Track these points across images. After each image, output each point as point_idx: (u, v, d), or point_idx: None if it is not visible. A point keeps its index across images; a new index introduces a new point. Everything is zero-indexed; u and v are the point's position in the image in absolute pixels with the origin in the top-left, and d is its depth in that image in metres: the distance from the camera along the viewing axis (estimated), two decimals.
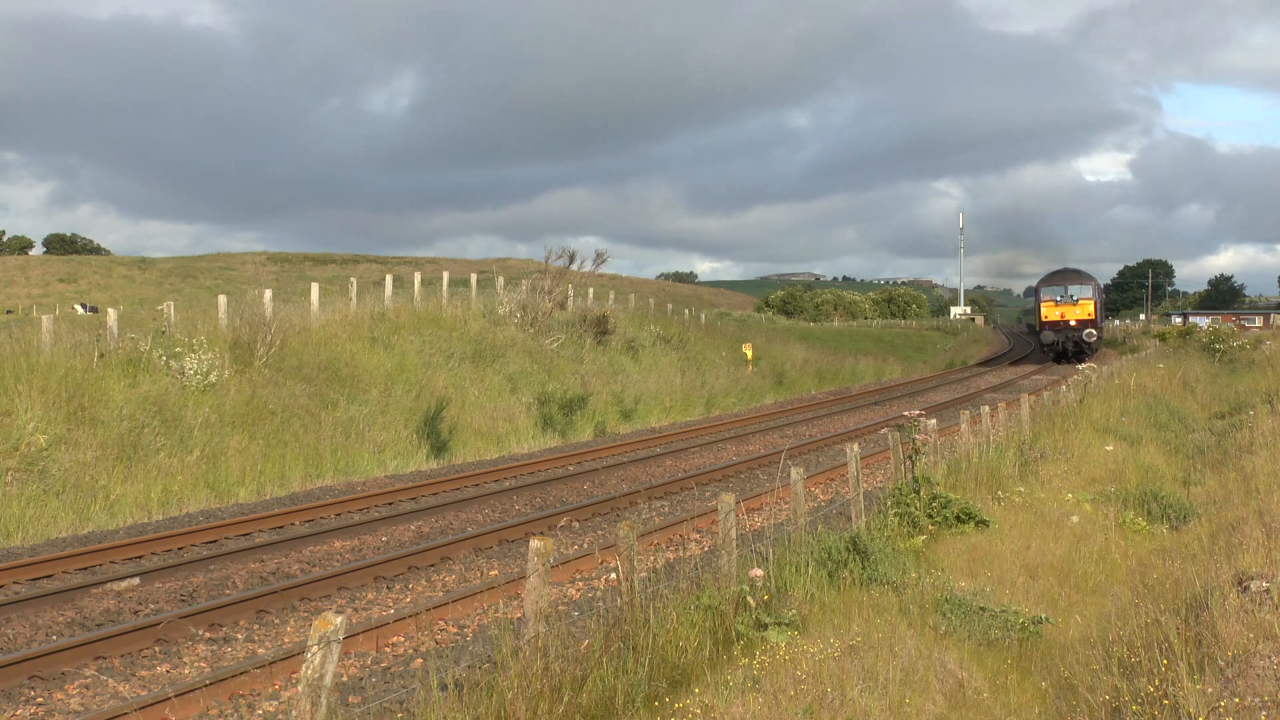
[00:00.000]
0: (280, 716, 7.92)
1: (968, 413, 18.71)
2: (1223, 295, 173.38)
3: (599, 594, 10.81)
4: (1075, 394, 25.96)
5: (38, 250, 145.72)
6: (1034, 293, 63.76)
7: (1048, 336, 60.31)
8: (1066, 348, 60.18)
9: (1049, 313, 60.39)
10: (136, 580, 12.44)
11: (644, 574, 8.84)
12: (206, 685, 8.29)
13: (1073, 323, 59.81)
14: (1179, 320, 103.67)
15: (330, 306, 28.82)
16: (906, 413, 15.77)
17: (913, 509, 12.63)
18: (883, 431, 18.41)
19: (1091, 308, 60.15)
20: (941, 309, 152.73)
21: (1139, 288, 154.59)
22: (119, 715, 7.80)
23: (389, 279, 33.74)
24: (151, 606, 11.44)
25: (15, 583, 12.42)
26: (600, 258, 37.95)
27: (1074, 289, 60.69)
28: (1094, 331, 59.84)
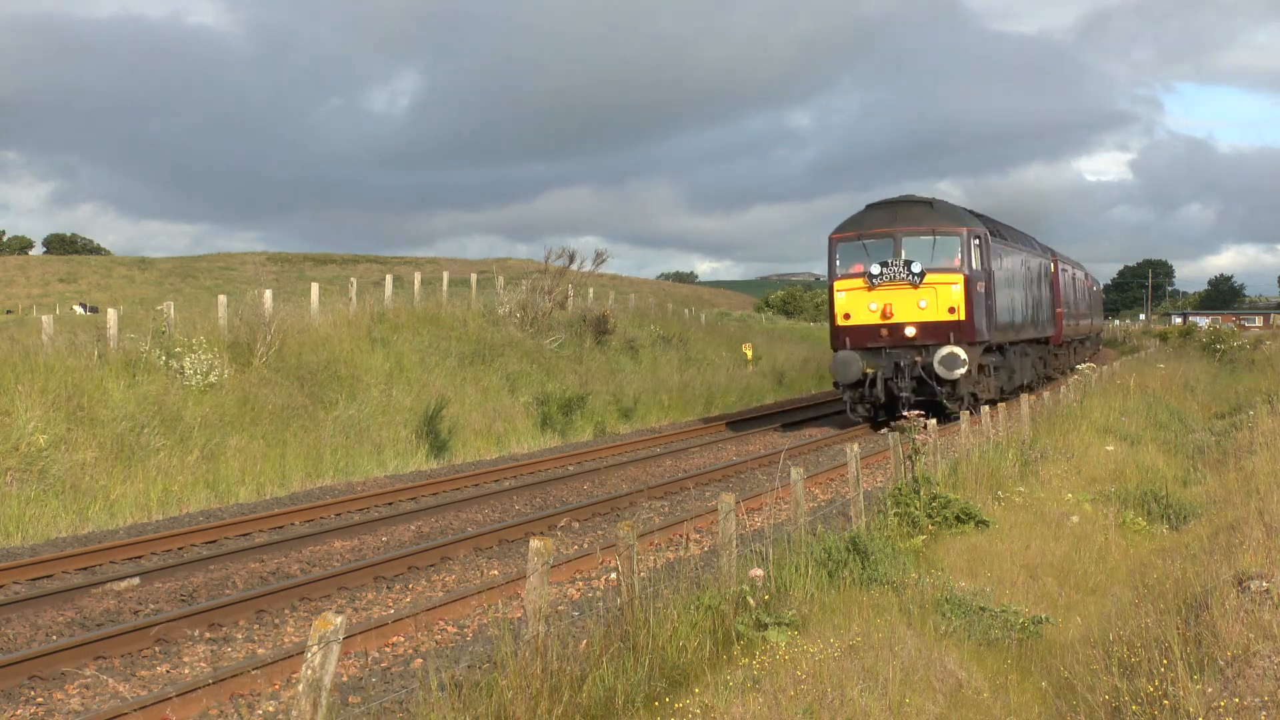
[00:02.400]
0: (280, 716, 7.92)
1: (968, 413, 18.71)
2: (1223, 295, 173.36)
3: (599, 594, 10.81)
4: (1075, 394, 25.97)
5: (38, 250, 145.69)
6: (828, 255, 26.70)
7: (844, 366, 24.94)
8: (893, 392, 25.06)
9: (850, 306, 25.62)
10: (136, 580, 12.44)
11: (644, 574, 8.84)
12: (207, 685, 8.29)
13: (910, 332, 25.08)
14: (1179, 320, 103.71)
15: (330, 306, 28.81)
16: (906, 413, 15.77)
17: (913, 509, 12.63)
18: (883, 432, 18.41)
19: (960, 296, 25.09)
20: None
21: (1139, 288, 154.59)
22: (119, 715, 7.79)
23: (389, 279, 33.75)
24: (151, 606, 11.43)
25: (15, 583, 12.42)
26: (600, 257, 37.99)
27: (913, 242, 25.54)
28: (961, 357, 24.40)
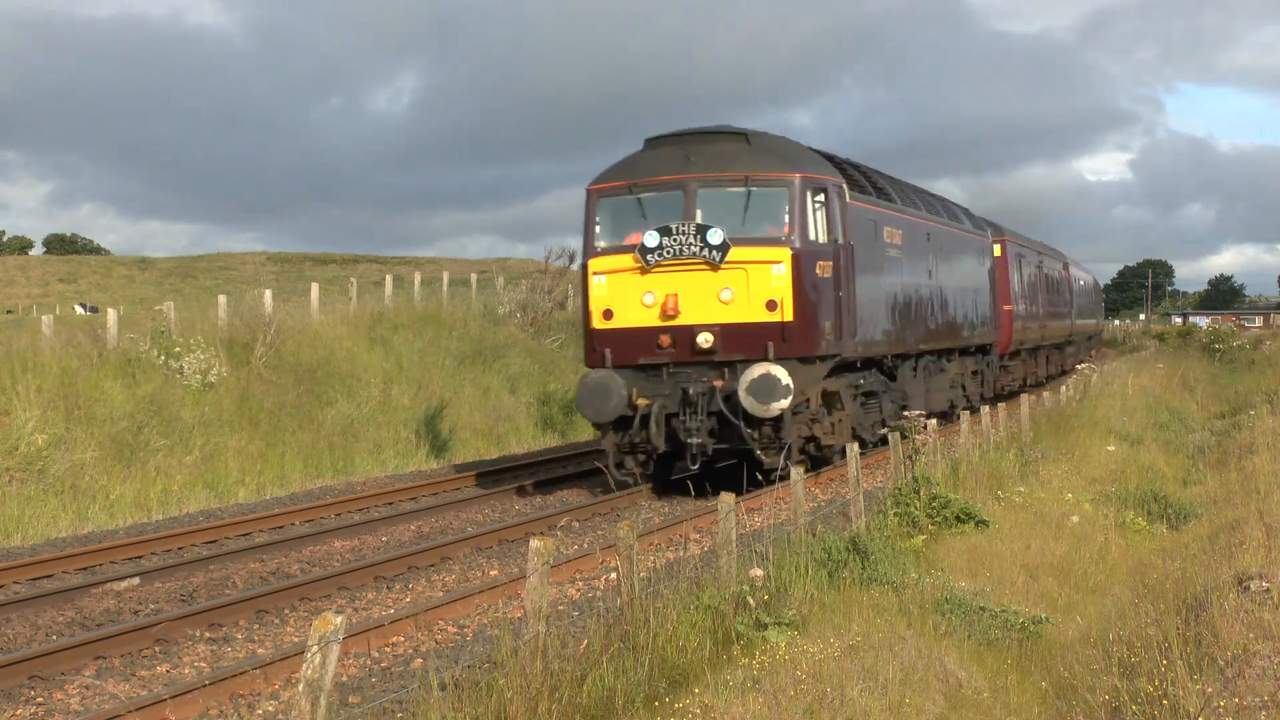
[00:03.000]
0: (280, 716, 7.92)
1: (967, 413, 18.72)
2: (1223, 295, 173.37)
3: (599, 594, 10.81)
4: (1075, 394, 25.98)
5: (38, 250, 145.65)
6: (585, 216, 16.96)
7: (596, 395, 15.86)
8: (680, 436, 15.80)
9: (614, 298, 16.27)
10: (136, 580, 12.44)
11: (644, 574, 8.84)
12: (206, 685, 8.29)
13: (705, 340, 15.83)
14: (1179, 320, 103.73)
15: (330, 306, 28.84)
16: (907, 413, 15.77)
17: (913, 509, 12.64)
18: (882, 432, 18.42)
19: (787, 282, 15.79)
20: None
21: (1139, 288, 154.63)
22: (119, 715, 7.79)
23: (389, 279, 33.81)
24: (151, 606, 11.44)
25: (15, 583, 12.42)
26: None
27: (714, 197, 16.27)
28: (782, 383, 15.27)
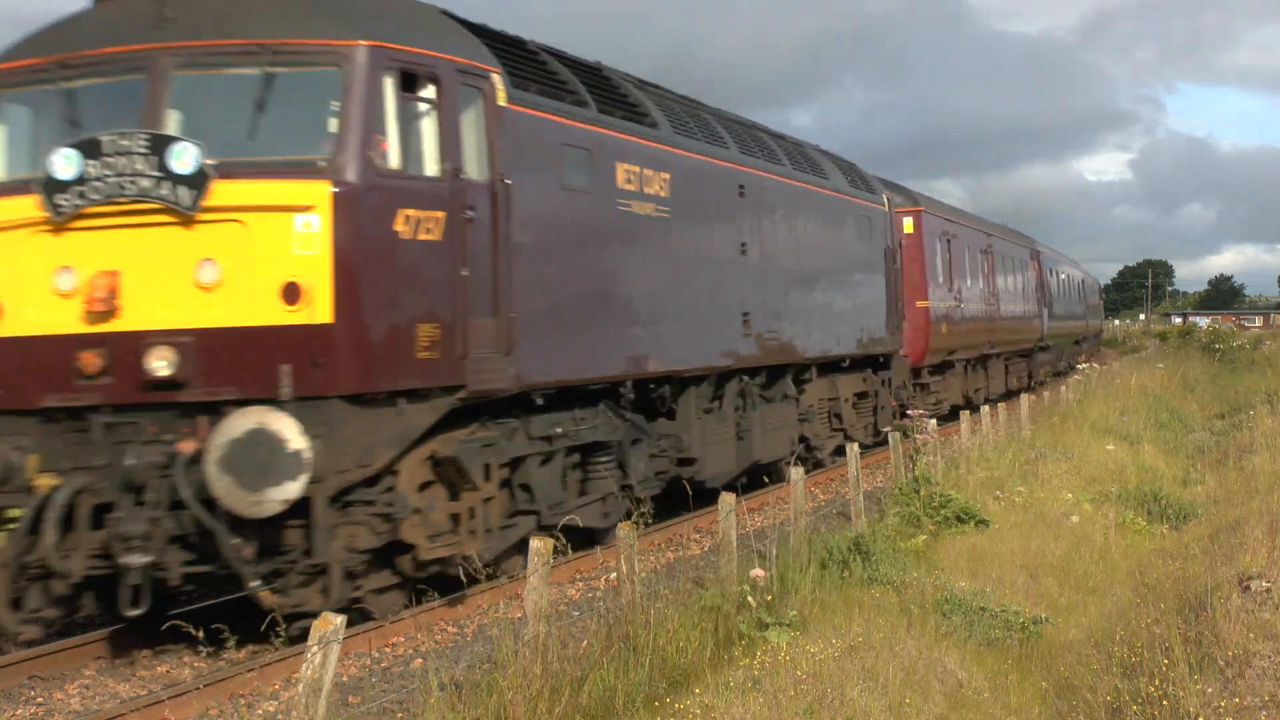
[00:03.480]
0: (280, 717, 7.92)
1: (967, 412, 18.75)
2: (1223, 295, 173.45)
3: (599, 594, 10.81)
4: (1075, 394, 25.99)
5: None
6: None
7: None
8: (117, 545, 8.15)
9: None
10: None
11: (644, 574, 8.84)
12: (206, 685, 8.29)
13: (162, 361, 8.24)
14: (1179, 320, 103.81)
15: None
16: (911, 412, 15.81)
17: (913, 509, 12.65)
18: (885, 431, 18.43)
19: (324, 247, 8.22)
20: None
21: (1139, 288, 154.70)
22: (119, 715, 7.79)
23: None
24: None
25: None
26: None
27: (198, 83, 8.68)
28: (288, 448, 7.98)
